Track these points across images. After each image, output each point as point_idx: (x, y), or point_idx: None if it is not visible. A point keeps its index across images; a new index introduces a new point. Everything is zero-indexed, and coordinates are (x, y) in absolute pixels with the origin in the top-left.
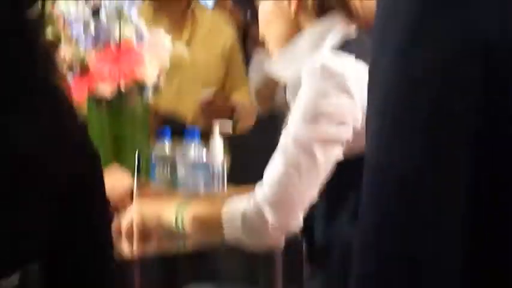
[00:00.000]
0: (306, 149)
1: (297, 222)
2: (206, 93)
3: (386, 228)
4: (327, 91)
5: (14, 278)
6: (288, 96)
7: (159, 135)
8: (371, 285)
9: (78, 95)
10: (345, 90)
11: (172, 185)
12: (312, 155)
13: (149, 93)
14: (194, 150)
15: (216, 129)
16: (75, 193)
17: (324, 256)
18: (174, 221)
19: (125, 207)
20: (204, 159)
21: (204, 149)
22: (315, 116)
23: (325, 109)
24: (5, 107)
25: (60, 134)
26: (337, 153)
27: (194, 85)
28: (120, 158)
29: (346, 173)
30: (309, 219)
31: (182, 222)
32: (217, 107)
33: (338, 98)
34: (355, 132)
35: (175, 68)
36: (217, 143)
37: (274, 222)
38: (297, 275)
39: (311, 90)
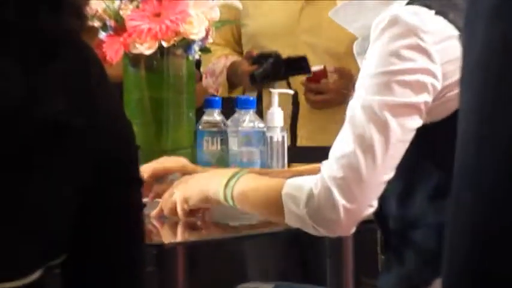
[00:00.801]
0: (378, 120)
1: (370, 205)
2: (314, 68)
3: (485, 205)
4: (401, 50)
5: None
6: (355, 52)
7: (207, 102)
8: (470, 274)
9: (112, 54)
10: (421, 49)
11: (222, 160)
12: (385, 128)
13: (195, 52)
14: (249, 120)
15: (275, 98)
16: (103, 172)
17: (401, 244)
18: (222, 197)
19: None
20: (262, 132)
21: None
22: (387, 81)
23: (398, 72)
24: (31, 65)
25: (86, 100)
26: (415, 124)
27: (312, 50)
28: (161, 126)
29: (424, 142)
30: (381, 199)
31: (232, 199)
32: (327, 87)
33: (414, 59)
34: (436, 97)
35: (288, 29)
36: (277, 113)
37: (344, 206)
38: (371, 267)
39: (382, 49)
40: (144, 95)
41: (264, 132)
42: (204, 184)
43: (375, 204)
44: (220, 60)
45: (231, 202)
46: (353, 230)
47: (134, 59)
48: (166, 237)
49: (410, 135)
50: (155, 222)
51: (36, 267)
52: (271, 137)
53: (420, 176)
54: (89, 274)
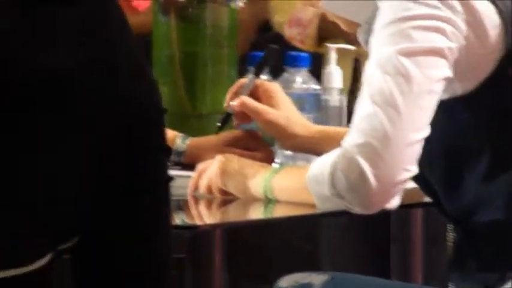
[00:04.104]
0: (396, 71)
1: (405, 169)
2: None
3: None
4: (412, 5)
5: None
6: (362, 40)
7: (250, 57)
8: None
9: (139, 2)
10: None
11: None
12: (406, 77)
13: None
14: (301, 80)
15: (333, 54)
16: (121, 140)
17: (467, 235)
18: (262, 193)
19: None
20: (316, 94)
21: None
22: (403, 29)
23: (415, 18)
24: (32, 7)
25: (101, 53)
26: (442, 72)
27: None
28: (195, 86)
29: (461, 113)
30: (430, 189)
31: (271, 193)
32: None
33: (430, 4)
34: (462, 53)
35: None
36: (334, 71)
37: (373, 173)
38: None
39: (391, 10)
40: (177, 50)
41: (319, 95)
42: (248, 173)
43: (413, 169)
44: (307, 7)
45: (269, 194)
46: (394, 201)
47: (165, 6)
48: (201, 218)
49: (438, 86)
50: (188, 199)
51: (44, 251)
52: (327, 101)
53: (466, 156)
54: (102, 260)
